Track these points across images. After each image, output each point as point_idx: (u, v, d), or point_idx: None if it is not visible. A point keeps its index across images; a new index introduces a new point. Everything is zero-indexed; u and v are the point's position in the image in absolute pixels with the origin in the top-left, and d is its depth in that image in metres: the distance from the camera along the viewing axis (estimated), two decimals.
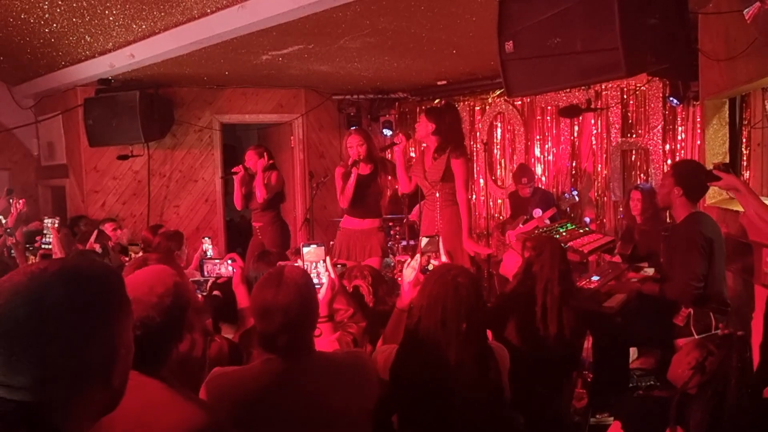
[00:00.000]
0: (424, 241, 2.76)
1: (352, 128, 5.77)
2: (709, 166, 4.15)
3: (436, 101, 7.54)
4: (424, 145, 4.43)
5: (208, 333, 2.03)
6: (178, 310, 1.54)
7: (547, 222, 5.29)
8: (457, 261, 3.92)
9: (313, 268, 2.35)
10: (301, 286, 1.84)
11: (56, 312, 0.93)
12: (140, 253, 4.72)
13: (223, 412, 1.62)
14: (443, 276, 2.11)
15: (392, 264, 6.07)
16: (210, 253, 4.19)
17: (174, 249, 4.17)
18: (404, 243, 6.75)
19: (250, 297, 1.90)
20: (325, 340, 2.12)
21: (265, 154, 5.33)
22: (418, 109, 7.86)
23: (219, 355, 2.23)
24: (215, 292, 3.10)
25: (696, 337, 3.23)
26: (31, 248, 4.95)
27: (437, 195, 4.25)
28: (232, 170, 5.45)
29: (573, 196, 6.20)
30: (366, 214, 4.60)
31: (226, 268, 3.19)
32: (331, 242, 5.93)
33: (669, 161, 5.56)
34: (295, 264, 2.21)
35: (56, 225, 4.73)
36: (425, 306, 2.08)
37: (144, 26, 4.52)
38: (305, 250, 2.39)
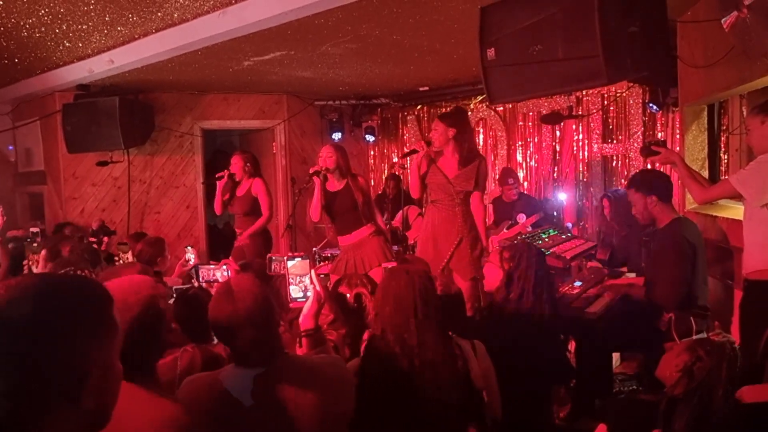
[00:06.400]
0: (290, 263, 2.42)
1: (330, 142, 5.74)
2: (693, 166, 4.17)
3: (418, 106, 7.54)
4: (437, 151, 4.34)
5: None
6: (152, 319, 1.57)
7: (530, 228, 5.30)
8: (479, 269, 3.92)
9: (298, 281, 2.31)
10: (257, 294, 1.77)
11: (18, 326, 0.91)
12: (128, 255, 4.65)
13: (197, 416, 1.61)
14: (396, 274, 2.19)
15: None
16: (192, 262, 4.14)
17: (156, 255, 4.13)
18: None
19: (208, 317, 1.80)
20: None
21: (247, 162, 5.30)
22: (400, 115, 7.88)
23: (190, 366, 2.16)
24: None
25: (692, 338, 3.23)
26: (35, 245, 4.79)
27: (458, 201, 4.12)
28: (216, 176, 5.40)
29: (555, 200, 6.24)
30: (350, 228, 4.47)
31: (222, 273, 3.15)
32: (314, 248, 5.91)
33: (649, 166, 5.61)
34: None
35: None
36: (391, 304, 2.12)
37: (124, 31, 4.47)
38: (290, 263, 2.33)
